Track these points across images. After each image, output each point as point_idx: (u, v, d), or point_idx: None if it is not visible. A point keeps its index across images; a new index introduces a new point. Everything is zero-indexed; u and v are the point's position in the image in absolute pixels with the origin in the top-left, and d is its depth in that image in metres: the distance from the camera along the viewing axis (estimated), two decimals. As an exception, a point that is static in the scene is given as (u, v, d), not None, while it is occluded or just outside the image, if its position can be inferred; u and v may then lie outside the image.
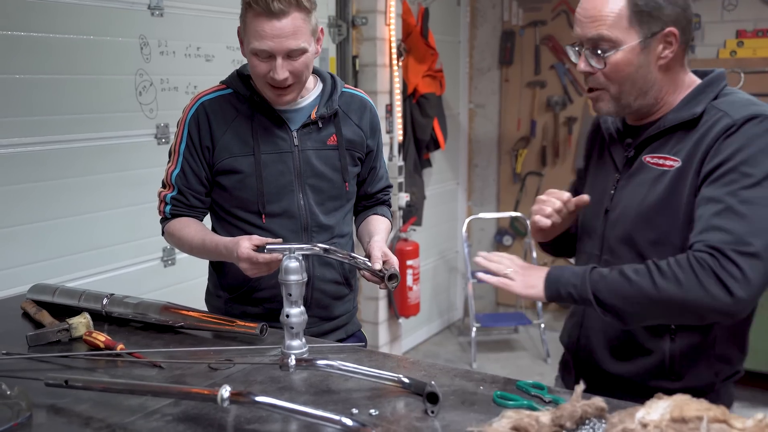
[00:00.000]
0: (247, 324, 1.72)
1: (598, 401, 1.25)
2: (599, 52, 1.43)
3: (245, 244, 1.70)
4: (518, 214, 5.05)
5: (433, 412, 1.33)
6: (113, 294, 1.89)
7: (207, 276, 2.08)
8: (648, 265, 1.36)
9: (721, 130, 1.38)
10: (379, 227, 2.02)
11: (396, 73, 4.06)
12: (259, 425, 1.30)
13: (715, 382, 1.52)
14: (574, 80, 4.92)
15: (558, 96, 4.97)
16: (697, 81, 1.50)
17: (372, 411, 1.34)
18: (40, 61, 2.54)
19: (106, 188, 2.80)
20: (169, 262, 3.07)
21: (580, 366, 1.65)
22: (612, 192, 1.55)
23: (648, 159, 1.49)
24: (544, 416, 1.23)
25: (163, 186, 1.98)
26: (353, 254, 1.79)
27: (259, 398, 1.25)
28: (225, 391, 1.25)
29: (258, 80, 1.83)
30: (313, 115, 1.92)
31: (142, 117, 2.90)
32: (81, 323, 1.73)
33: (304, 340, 1.61)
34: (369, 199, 2.12)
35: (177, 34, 3.00)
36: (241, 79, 1.95)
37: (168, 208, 1.96)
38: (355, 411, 1.34)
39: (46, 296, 1.95)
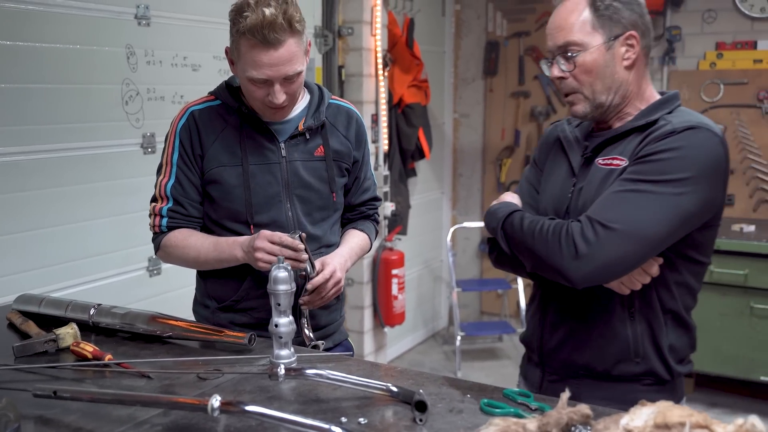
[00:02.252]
0: (235, 334, 1.73)
1: (584, 408, 1.27)
2: (569, 55, 1.55)
3: (265, 233, 1.75)
4: (502, 223, 5.07)
5: (421, 420, 1.35)
6: (100, 304, 1.89)
7: (194, 286, 2.09)
8: (543, 221, 1.53)
9: (662, 133, 1.50)
10: (351, 240, 2.05)
11: (382, 83, 4.09)
12: (250, 435, 1.31)
13: (671, 371, 1.60)
14: (557, 91, 4.95)
15: (542, 106, 5.02)
16: (657, 97, 1.62)
17: (361, 420, 1.36)
18: (27, 71, 2.54)
19: (91, 198, 2.80)
20: (155, 271, 3.06)
21: (545, 362, 1.70)
22: (570, 195, 1.63)
23: (600, 161, 1.60)
24: (531, 423, 1.25)
25: (155, 200, 1.98)
26: (307, 330, 1.86)
27: (249, 407, 1.26)
28: (215, 401, 1.25)
29: (254, 102, 1.86)
30: (301, 127, 1.93)
31: (128, 126, 2.90)
32: (68, 334, 1.73)
33: (292, 349, 1.62)
34: (353, 210, 2.13)
35: (164, 44, 3.01)
36: (229, 90, 1.96)
37: (165, 221, 1.95)
38: (344, 420, 1.35)
39: (32, 307, 1.95)
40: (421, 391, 1.38)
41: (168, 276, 3.10)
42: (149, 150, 2.99)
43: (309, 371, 1.46)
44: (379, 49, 4.05)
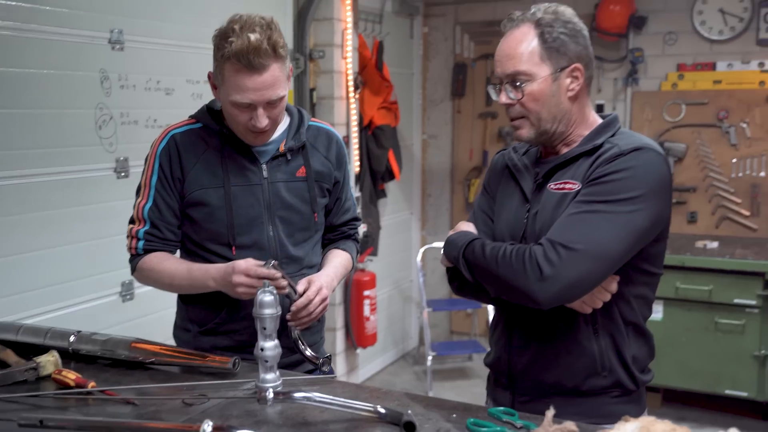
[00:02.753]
0: (219, 358, 1.73)
1: (570, 425, 1.30)
2: (517, 84, 1.60)
3: (242, 261, 1.75)
4: (472, 242, 5.12)
5: (410, 441, 1.37)
6: (80, 331, 1.88)
7: (167, 310, 2.08)
8: (504, 246, 1.57)
9: (610, 156, 1.56)
10: (333, 259, 2.07)
11: (353, 106, 4.13)
12: (240, 459, 1.31)
13: (635, 380, 1.65)
14: (524, 112, 5.05)
15: (509, 127, 5.07)
16: (599, 121, 1.69)
17: (350, 442, 1.37)
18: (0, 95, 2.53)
19: (64, 223, 2.77)
20: (128, 296, 3.04)
21: (515, 383, 1.73)
22: (525, 221, 1.67)
23: (552, 186, 1.65)
24: (520, 442, 1.28)
25: (133, 222, 1.98)
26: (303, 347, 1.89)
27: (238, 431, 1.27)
28: (207, 426, 1.26)
29: (236, 126, 1.87)
30: (282, 148, 1.96)
31: (101, 151, 2.89)
32: (49, 361, 1.72)
33: (278, 373, 1.63)
34: (334, 231, 2.15)
35: (137, 68, 3.00)
36: (210, 113, 1.98)
37: (141, 243, 1.95)
38: (333, 442, 1.37)
39: (9, 335, 1.92)
40: (409, 411, 1.40)
41: (141, 301, 3.08)
42: (122, 174, 2.98)
43: (297, 395, 1.47)
44: (350, 71, 4.09)
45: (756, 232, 4.39)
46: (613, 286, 1.57)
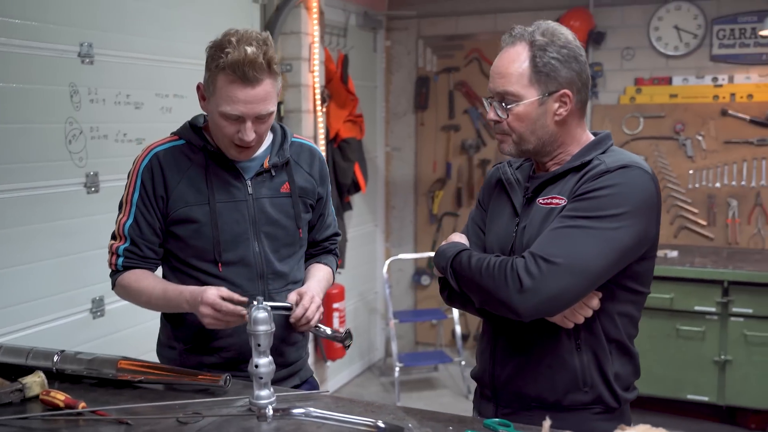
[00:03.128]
0: (210, 376, 1.72)
1: (570, 436, 1.34)
2: (504, 104, 1.63)
3: (213, 291, 1.74)
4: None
5: (411, 454, 1.39)
6: (64, 350, 1.85)
7: (137, 326, 2.05)
8: (489, 258, 1.61)
9: (597, 173, 1.59)
10: (316, 273, 2.08)
11: (320, 119, 4.14)
12: (244, 477, 1.31)
13: (619, 398, 1.68)
14: (486, 124, 5.13)
15: (472, 139, 5.17)
16: (591, 138, 1.71)
17: (352, 456, 1.38)
18: (-33, 111, 2.47)
19: (33, 239, 2.71)
20: (98, 313, 2.99)
21: (498, 395, 1.75)
22: (514, 234, 1.71)
23: (540, 201, 1.68)
24: (521, 452, 1.31)
25: (114, 238, 1.96)
26: (321, 326, 1.90)
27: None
28: (212, 445, 1.26)
29: (222, 139, 1.87)
30: (266, 164, 1.96)
31: (71, 166, 2.84)
32: (35, 382, 1.69)
33: (272, 389, 1.63)
34: (316, 246, 2.16)
35: (107, 82, 2.97)
36: (193, 130, 1.97)
37: (120, 260, 1.94)
38: (335, 457, 1.38)
39: (-11, 355, 1.88)
40: (410, 425, 1.42)
41: (112, 317, 3.03)
42: (92, 189, 2.93)
43: (295, 411, 1.48)
44: (317, 85, 4.11)
45: (713, 241, 4.53)
46: (595, 302, 1.59)
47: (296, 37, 4.00)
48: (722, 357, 3.95)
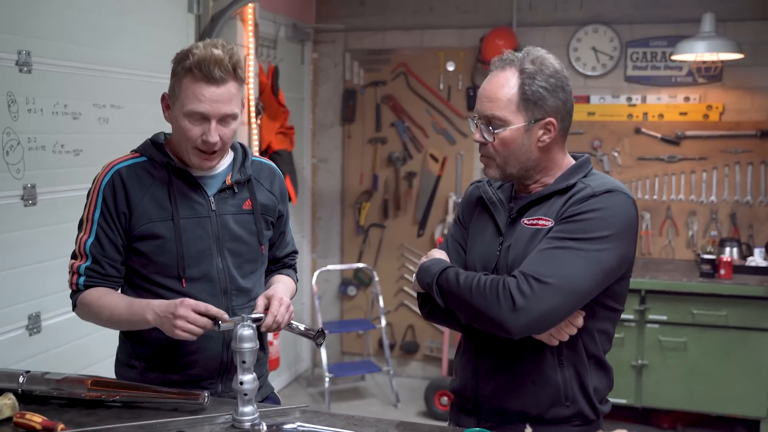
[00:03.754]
0: (189, 393, 1.72)
1: (555, 442, 1.42)
2: (491, 128, 1.70)
3: (189, 301, 1.74)
4: (363, 264, 5.24)
5: (405, 464, 1.44)
6: (29, 371, 1.80)
7: (75, 341, 2.00)
8: (478, 276, 1.66)
9: (583, 196, 1.68)
10: (280, 280, 2.11)
11: (254, 131, 4.13)
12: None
13: (596, 411, 1.77)
14: (413, 137, 5.24)
15: (399, 152, 5.27)
16: (572, 162, 1.80)
17: (348, 469, 1.43)
18: None
19: (-33, 254, 2.61)
20: (35, 330, 2.89)
21: (481, 409, 1.81)
22: (498, 253, 1.77)
23: (525, 221, 1.75)
24: (513, 459, 1.39)
25: (75, 257, 1.93)
26: (294, 323, 1.89)
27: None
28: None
29: (185, 144, 1.87)
30: (228, 181, 1.98)
31: (8, 178, 2.74)
32: (5, 405, 1.64)
33: (255, 405, 1.65)
34: (276, 263, 2.19)
35: (45, 92, 2.88)
36: (155, 146, 1.96)
37: (82, 279, 1.90)
38: (332, 471, 1.41)
39: (-55, 378, 1.81)
40: (401, 437, 1.47)
41: (49, 334, 2.93)
42: (30, 202, 2.83)
43: (287, 426, 1.50)
44: (252, 97, 4.10)
45: (627, 251, 4.78)
46: (579, 321, 1.67)
47: (232, 49, 3.98)
48: (639, 362, 4.19)
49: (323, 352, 4.85)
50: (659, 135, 4.71)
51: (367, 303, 5.47)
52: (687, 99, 4.70)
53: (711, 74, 4.60)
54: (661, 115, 4.73)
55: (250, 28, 4.03)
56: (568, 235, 1.63)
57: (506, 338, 1.64)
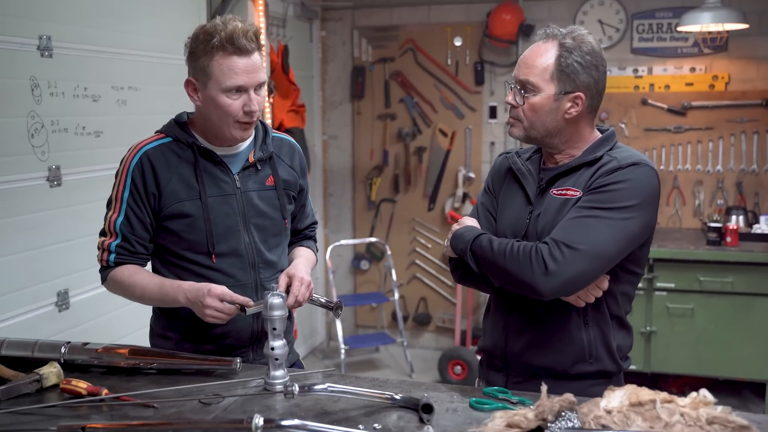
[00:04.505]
0: (223, 359, 1.82)
1: (569, 396, 1.52)
2: (523, 92, 1.80)
3: (216, 290, 1.84)
4: (374, 239, 5.34)
5: (428, 420, 1.54)
6: (69, 342, 1.90)
7: (101, 317, 2.06)
8: (511, 243, 1.75)
9: (610, 168, 1.77)
10: (301, 254, 2.21)
11: (267, 110, 4.21)
12: (284, 448, 1.43)
13: (619, 367, 1.88)
14: (422, 113, 5.31)
15: (408, 127, 5.34)
16: (599, 135, 1.88)
17: (376, 425, 1.53)
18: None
19: (-3, 234, 2.71)
20: (64, 306, 3.00)
21: (510, 365, 1.92)
22: (527, 221, 1.87)
23: (554, 192, 1.85)
24: (530, 413, 1.48)
25: (104, 234, 2.02)
26: (314, 296, 2.01)
27: (285, 422, 1.40)
28: (258, 420, 1.38)
29: (227, 119, 1.93)
30: (251, 158, 2.06)
31: (34, 160, 2.84)
32: (52, 373, 1.75)
33: (285, 370, 1.75)
34: (297, 234, 2.28)
35: (65, 75, 2.96)
36: (180, 126, 2.04)
37: (112, 256, 1.99)
38: (361, 427, 1.51)
39: (-9, 350, 1.92)
40: (425, 395, 1.57)
41: (76, 310, 3.05)
42: (55, 183, 2.93)
43: (317, 387, 1.60)
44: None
45: (634, 221, 4.86)
46: (605, 284, 1.77)
47: (243, 29, 4.05)
48: (648, 328, 4.28)
49: (338, 324, 4.96)
50: (665, 106, 4.77)
51: (380, 276, 5.57)
52: (693, 70, 4.75)
53: (716, 44, 4.64)
54: (667, 86, 4.78)
55: (261, 7, 4.09)
56: (596, 204, 1.73)
57: (535, 300, 1.74)
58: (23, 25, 2.77)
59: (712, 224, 4.23)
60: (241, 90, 1.89)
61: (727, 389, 4.41)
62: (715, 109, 4.70)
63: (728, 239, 4.17)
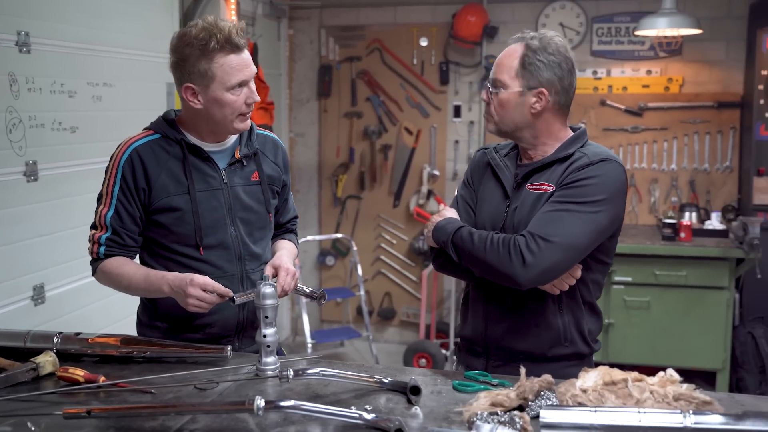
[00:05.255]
0: (214, 347, 1.90)
1: (548, 377, 1.63)
2: (491, 89, 1.95)
3: (198, 280, 1.90)
4: (340, 235, 5.42)
5: (416, 402, 1.64)
6: (62, 332, 1.95)
7: (76, 311, 2.10)
8: (491, 235, 1.87)
9: (580, 165, 1.90)
10: (284, 246, 2.29)
11: (238, 107, 4.25)
12: (282, 429, 1.52)
13: (591, 348, 2.02)
14: (388, 111, 5.41)
15: (374, 126, 5.43)
16: (570, 134, 2.01)
17: (367, 407, 1.62)
18: None
19: (-26, 229, 2.72)
20: (39, 300, 3.02)
21: (489, 350, 2.03)
22: (505, 214, 1.99)
23: (530, 187, 1.97)
24: (512, 392, 1.59)
25: (95, 228, 2.07)
26: (299, 286, 2.09)
27: (284, 403, 1.49)
28: (260, 401, 1.46)
29: (231, 115, 2.01)
30: (237, 154, 2.13)
31: (12, 155, 2.85)
32: (47, 361, 1.80)
33: (277, 356, 1.83)
34: (279, 228, 2.36)
35: (43, 71, 2.98)
36: (168, 124, 2.10)
37: (102, 249, 2.05)
38: (353, 408, 1.60)
39: (-19, 341, 1.95)
40: (413, 378, 1.67)
41: (53, 303, 3.07)
42: (32, 178, 2.95)
43: (310, 371, 1.69)
44: (234, 73, 4.21)
45: (593, 217, 5.04)
46: (578, 273, 1.90)
47: (215, 27, 4.09)
48: (606, 321, 4.45)
49: (305, 319, 5.02)
50: (623, 107, 4.95)
51: (345, 272, 5.66)
52: (649, 72, 4.94)
53: (672, 48, 4.84)
54: (624, 88, 4.96)
55: (233, 6, 4.14)
56: (568, 199, 1.85)
57: (512, 289, 1.86)
58: (1, 21, 2.78)
59: (667, 220, 4.41)
60: (242, 84, 1.98)
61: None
62: (670, 111, 4.90)
63: (682, 235, 4.36)
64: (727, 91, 4.85)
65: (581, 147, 1.95)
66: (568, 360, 1.97)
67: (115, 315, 3.39)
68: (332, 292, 5.55)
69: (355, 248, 5.27)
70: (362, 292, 5.22)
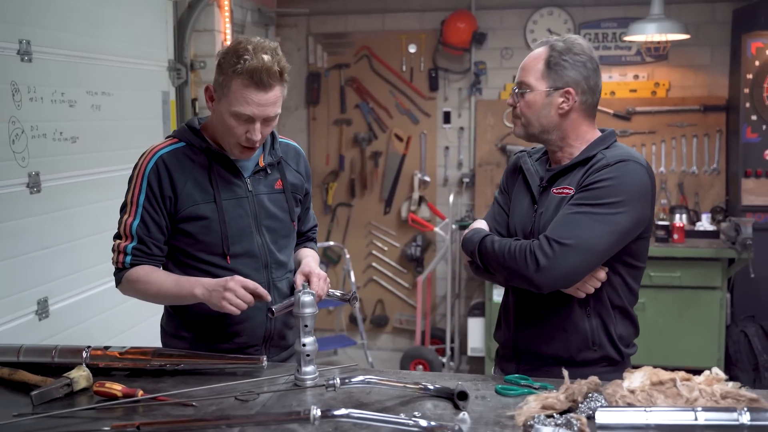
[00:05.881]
0: (249, 358, 1.87)
1: (595, 379, 1.64)
2: (519, 91, 1.96)
3: (240, 278, 1.89)
4: (331, 243, 5.40)
5: (464, 407, 1.63)
6: (90, 346, 1.91)
7: (80, 324, 2.07)
8: (510, 242, 1.89)
9: (599, 166, 1.91)
10: (307, 253, 2.28)
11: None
12: (335, 438, 1.50)
13: (621, 354, 2.00)
14: (377, 118, 5.41)
15: (364, 133, 5.42)
16: (598, 135, 2.01)
17: (416, 413, 1.61)
18: None
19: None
20: (44, 314, 2.95)
21: (520, 355, 2.04)
22: (533, 219, 2.00)
23: (554, 191, 1.98)
24: (561, 395, 1.60)
25: (119, 237, 2.04)
26: (330, 291, 2.10)
27: (338, 411, 1.47)
28: (316, 411, 1.44)
29: (228, 138, 1.99)
30: (261, 162, 2.12)
31: (15, 166, 2.79)
32: (81, 377, 1.76)
33: (315, 365, 1.81)
34: (300, 236, 2.34)
35: (44, 80, 2.93)
36: (193, 131, 2.08)
37: (128, 258, 2.01)
38: (403, 415, 1.59)
39: (9, 357, 1.90)
40: (459, 383, 1.66)
41: (56, 317, 3.00)
42: (35, 190, 2.89)
43: (355, 379, 1.67)
44: (229, 82, 4.18)
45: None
46: (602, 275, 1.89)
47: (209, 35, 4.07)
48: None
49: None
50: (611, 111, 5.01)
51: (337, 280, 5.63)
52: (636, 77, 5.01)
53: (658, 54, 4.91)
54: (612, 93, 5.02)
55: (227, 14, 4.11)
56: (584, 201, 1.86)
57: (539, 293, 1.86)
58: (3, 29, 2.73)
59: (660, 222, 4.47)
60: (248, 120, 1.94)
61: (675, 378, 4.65)
62: (657, 115, 4.97)
63: (675, 236, 4.42)
64: (713, 95, 4.94)
65: (606, 148, 1.94)
66: (598, 364, 1.96)
67: (119, 327, 3.34)
68: (325, 300, 5.49)
69: (348, 256, 5.25)
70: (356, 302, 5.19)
